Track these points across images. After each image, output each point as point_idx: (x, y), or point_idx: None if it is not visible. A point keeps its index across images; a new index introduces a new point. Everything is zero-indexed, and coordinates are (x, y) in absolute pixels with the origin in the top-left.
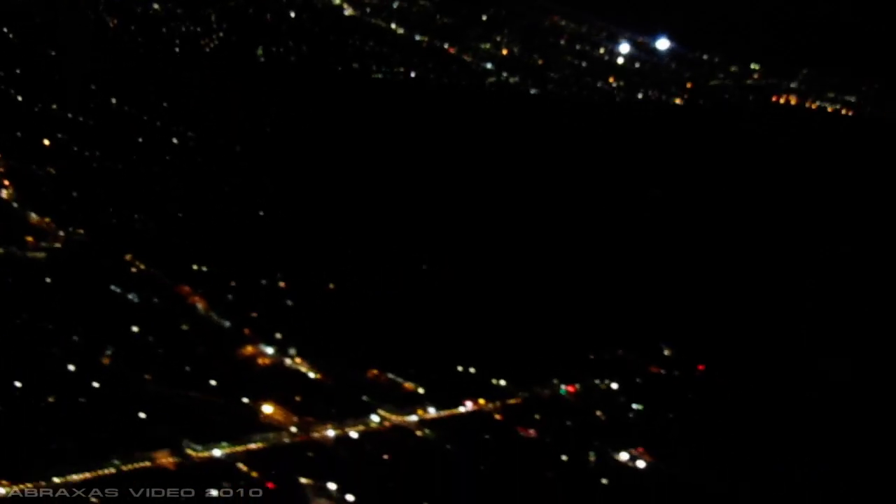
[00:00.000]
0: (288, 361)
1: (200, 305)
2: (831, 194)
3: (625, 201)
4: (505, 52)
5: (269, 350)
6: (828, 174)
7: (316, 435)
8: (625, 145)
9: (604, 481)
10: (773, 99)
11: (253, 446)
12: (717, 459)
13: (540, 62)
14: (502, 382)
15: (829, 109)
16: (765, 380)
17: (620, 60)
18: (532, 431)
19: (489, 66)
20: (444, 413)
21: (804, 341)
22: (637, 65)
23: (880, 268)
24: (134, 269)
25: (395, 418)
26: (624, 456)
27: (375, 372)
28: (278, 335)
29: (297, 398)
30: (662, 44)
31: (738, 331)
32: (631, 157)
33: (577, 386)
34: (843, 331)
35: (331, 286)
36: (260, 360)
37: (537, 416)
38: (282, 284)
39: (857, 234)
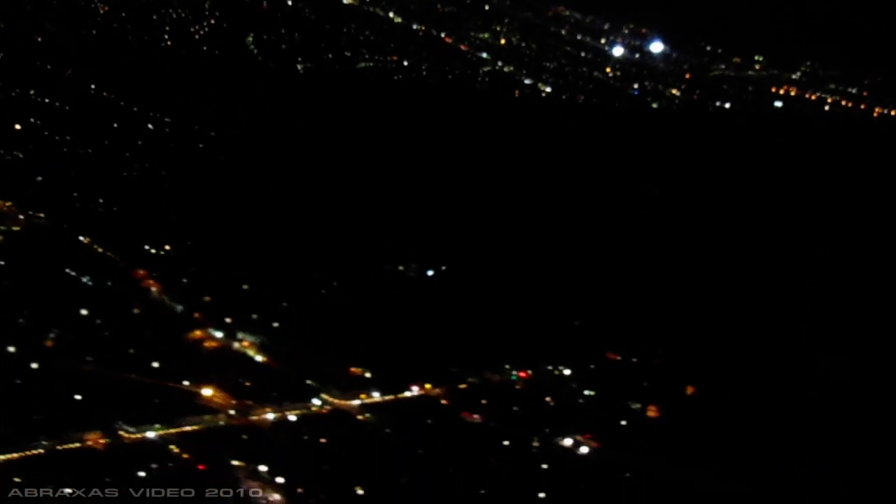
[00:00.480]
0: (236, 345)
1: (154, 289)
2: (831, 190)
3: (603, 189)
4: (503, 42)
5: (219, 334)
6: (828, 170)
7: (254, 418)
8: (618, 138)
9: (544, 466)
10: (773, 90)
11: (187, 428)
12: (666, 449)
13: (535, 52)
14: (453, 367)
15: (829, 100)
16: (749, 376)
17: (620, 51)
18: (477, 416)
19: (485, 55)
20: (388, 398)
21: (802, 339)
22: (637, 55)
23: (880, 265)
24: (91, 253)
25: (337, 402)
26: (568, 441)
27: (324, 356)
28: (228, 320)
29: (240, 382)
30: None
31: (734, 329)
32: (622, 149)
33: (530, 372)
34: (840, 330)
35: (286, 272)
36: (207, 344)
37: (484, 402)
38: (238, 271)
39: (858, 230)
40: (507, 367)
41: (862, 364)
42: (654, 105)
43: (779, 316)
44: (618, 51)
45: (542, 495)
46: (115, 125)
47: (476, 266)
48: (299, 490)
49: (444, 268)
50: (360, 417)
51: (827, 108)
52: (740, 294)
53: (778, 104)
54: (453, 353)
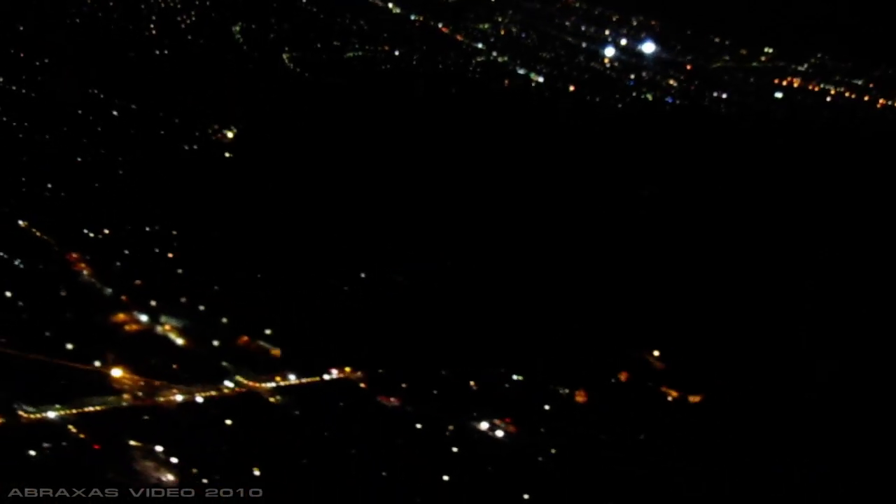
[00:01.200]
0: (158, 329)
1: (86, 272)
2: (829, 185)
3: (588, 180)
4: (503, 32)
5: (143, 317)
6: (824, 161)
7: (160, 399)
8: (606, 129)
9: (454, 449)
10: (776, 81)
11: (89, 409)
12: (591, 434)
13: (535, 43)
14: (378, 351)
15: (833, 92)
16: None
17: (623, 42)
18: (394, 400)
19: (480, 45)
20: (305, 380)
21: (797, 340)
22: (639, 46)
23: (881, 263)
24: (28, 236)
25: (250, 384)
26: (484, 425)
27: (246, 339)
28: (154, 303)
29: (155, 363)
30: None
31: (729, 329)
32: (609, 141)
33: (459, 361)
34: (837, 331)
35: (219, 257)
36: (129, 327)
37: (404, 385)
38: (170, 255)
39: (858, 228)
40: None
41: (857, 365)
42: (648, 96)
43: (772, 315)
44: (621, 42)
45: (445, 478)
46: (79, 112)
47: (419, 252)
48: (193, 470)
49: (384, 253)
50: (271, 399)
51: (829, 99)
52: (728, 290)
53: (778, 95)
54: (381, 338)
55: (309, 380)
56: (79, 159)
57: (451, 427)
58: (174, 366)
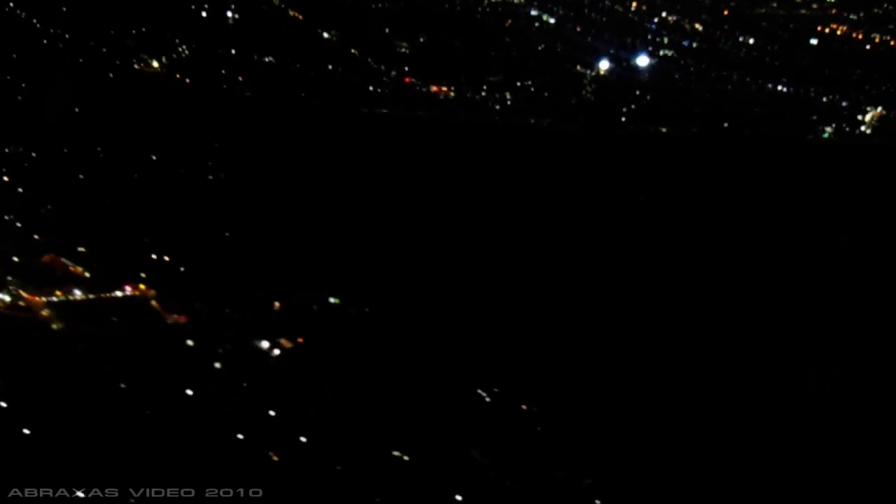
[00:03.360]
0: None
1: None
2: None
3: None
4: None
5: None
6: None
7: None
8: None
9: (215, 364)
10: (818, 28)
11: None
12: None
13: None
14: (186, 269)
15: (877, 39)
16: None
17: None
18: (182, 318)
19: None
20: (91, 296)
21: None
22: None
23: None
24: None
25: (27, 297)
26: (265, 344)
27: (51, 256)
28: None
29: None
30: None
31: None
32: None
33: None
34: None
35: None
36: None
37: (198, 305)
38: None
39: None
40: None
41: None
42: (665, 40)
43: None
44: None
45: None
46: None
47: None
48: None
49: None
50: (43, 314)
51: (869, 47)
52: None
53: (813, 41)
54: (195, 258)
55: (96, 295)
56: None
57: (227, 347)
58: None
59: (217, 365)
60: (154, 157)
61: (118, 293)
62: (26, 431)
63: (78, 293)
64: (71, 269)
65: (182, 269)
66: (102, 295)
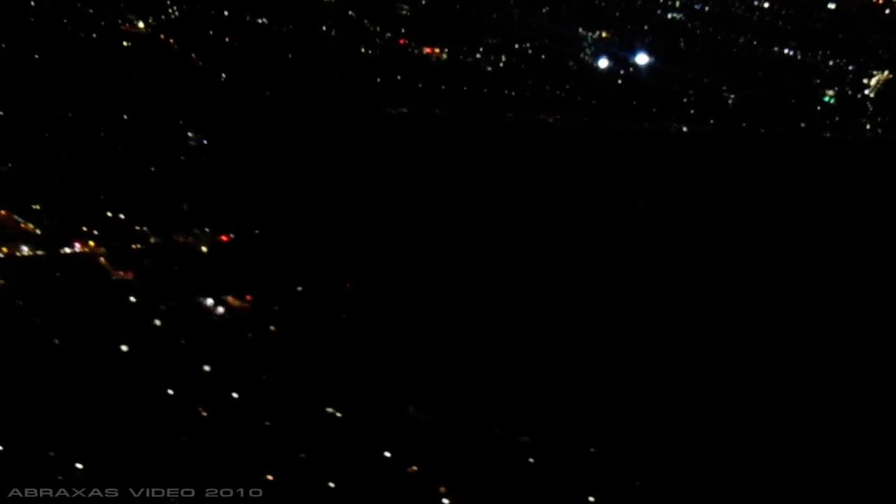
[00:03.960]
0: None
1: None
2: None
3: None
4: None
5: None
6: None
7: None
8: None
9: (157, 321)
10: None
11: None
12: None
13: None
14: (144, 228)
15: None
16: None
17: None
18: (127, 274)
19: None
20: (39, 252)
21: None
22: None
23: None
24: None
25: None
26: (210, 301)
27: (4, 213)
28: None
29: None
30: None
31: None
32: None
33: (232, 236)
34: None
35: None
36: None
37: (147, 262)
38: None
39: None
40: (207, 230)
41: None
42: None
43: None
44: None
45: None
46: None
47: None
48: None
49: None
50: None
51: (888, 11)
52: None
53: (831, 6)
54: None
55: (44, 252)
56: None
57: (170, 303)
58: None
59: (157, 322)
60: (125, 117)
61: (67, 250)
62: None
63: (25, 249)
64: (22, 226)
65: (137, 227)
66: (51, 252)
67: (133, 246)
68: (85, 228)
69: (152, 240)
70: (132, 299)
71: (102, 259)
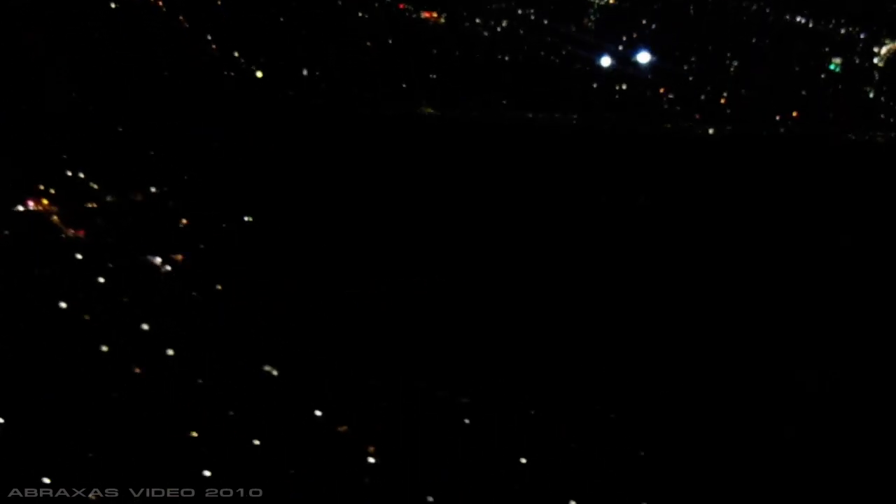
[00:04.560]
0: None
1: None
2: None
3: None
4: None
5: None
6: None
7: None
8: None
9: (99, 279)
10: None
11: None
12: None
13: None
14: (95, 185)
15: None
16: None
17: None
18: (79, 232)
19: None
20: None
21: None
22: None
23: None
24: None
25: None
26: (158, 259)
27: None
28: None
29: None
30: None
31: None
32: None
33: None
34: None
35: None
36: None
37: (101, 221)
38: None
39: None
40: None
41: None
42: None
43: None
44: None
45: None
46: None
47: None
48: None
49: None
50: None
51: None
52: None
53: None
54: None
55: None
56: None
57: (120, 260)
58: None
59: (101, 279)
60: (97, 79)
61: (19, 207)
62: None
63: None
64: None
65: (95, 186)
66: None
67: (88, 205)
68: (41, 187)
69: (110, 199)
70: (79, 256)
71: (55, 217)
